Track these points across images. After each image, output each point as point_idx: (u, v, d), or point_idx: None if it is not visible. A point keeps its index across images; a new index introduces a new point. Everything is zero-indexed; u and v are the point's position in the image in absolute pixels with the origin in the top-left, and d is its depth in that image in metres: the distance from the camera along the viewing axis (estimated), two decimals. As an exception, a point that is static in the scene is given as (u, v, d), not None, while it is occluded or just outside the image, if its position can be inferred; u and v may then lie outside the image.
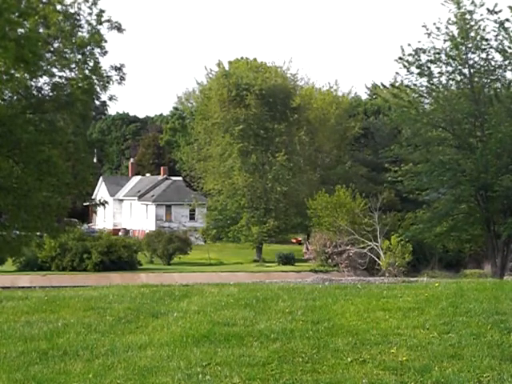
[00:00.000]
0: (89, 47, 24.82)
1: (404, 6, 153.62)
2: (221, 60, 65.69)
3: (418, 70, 31.44)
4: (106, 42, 24.85)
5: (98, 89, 25.42)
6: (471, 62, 30.93)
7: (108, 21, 24.80)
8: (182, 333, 7.33)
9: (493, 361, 6.05)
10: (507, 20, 29.73)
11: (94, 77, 25.07)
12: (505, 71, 31.10)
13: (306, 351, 6.44)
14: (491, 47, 30.40)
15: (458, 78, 31.70)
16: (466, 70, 31.17)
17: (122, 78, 25.66)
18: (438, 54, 30.95)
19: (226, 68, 59.09)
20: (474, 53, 30.77)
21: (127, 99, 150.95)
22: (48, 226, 26.05)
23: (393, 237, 43.60)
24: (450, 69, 31.47)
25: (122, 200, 76.59)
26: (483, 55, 30.79)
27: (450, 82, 32.20)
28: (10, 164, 24.41)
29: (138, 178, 79.44)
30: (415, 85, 32.54)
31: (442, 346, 6.55)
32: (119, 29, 24.92)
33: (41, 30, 23.72)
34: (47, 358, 6.58)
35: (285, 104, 57.12)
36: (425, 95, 33.20)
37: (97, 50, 25.03)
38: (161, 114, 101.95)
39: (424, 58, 31.16)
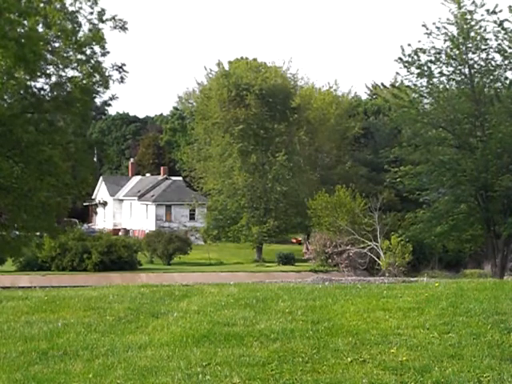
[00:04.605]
0: (90, 46, 24.81)
1: (404, 6, 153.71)
2: (221, 60, 65.80)
3: (418, 70, 31.45)
4: (104, 39, 24.81)
5: (100, 88, 25.44)
6: (471, 62, 30.94)
7: (112, 19, 24.73)
8: (182, 333, 7.33)
9: (493, 361, 6.05)
10: (506, 20, 29.76)
11: (96, 75, 25.06)
12: (505, 71, 31.12)
13: (306, 351, 6.44)
14: (491, 47, 30.42)
15: (458, 78, 31.71)
16: (466, 70, 31.18)
17: (123, 78, 25.68)
18: (438, 54, 30.96)
19: (226, 68, 59.09)
20: (474, 53, 30.79)
21: (127, 99, 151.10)
22: (48, 226, 26.05)
23: (393, 237, 43.57)
24: (450, 69, 31.50)
25: (121, 200, 76.57)
26: (483, 55, 30.82)
27: (451, 82, 32.22)
28: (10, 164, 24.40)
29: (138, 177, 79.44)
30: (415, 85, 32.56)
31: (442, 346, 6.55)
32: (123, 27, 24.86)
33: (41, 30, 23.72)
34: (47, 358, 6.58)
35: (285, 104, 57.11)
36: (425, 95, 33.20)
37: (98, 49, 25.05)
38: (161, 114, 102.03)
39: (424, 58, 31.19)
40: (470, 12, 30.24)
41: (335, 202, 49.92)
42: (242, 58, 60.68)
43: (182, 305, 9.29)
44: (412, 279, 26.56)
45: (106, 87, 25.36)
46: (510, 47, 30.18)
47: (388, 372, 5.77)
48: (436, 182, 32.85)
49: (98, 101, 27.20)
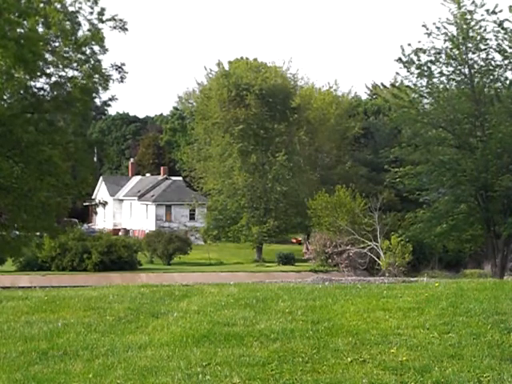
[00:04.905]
0: (89, 46, 24.82)
1: (404, 6, 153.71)
2: (221, 60, 65.82)
3: (418, 71, 31.45)
4: (104, 39, 24.82)
5: (99, 88, 25.45)
6: (471, 62, 30.94)
7: (112, 19, 24.73)
8: (182, 333, 7.33)
9: (493, 361, 6.05)
10: (506, 20, 29.76)
11: (96, 75, 25.07)
12: (505, 71, 31.12)
13: (306, 351, 6.44)
14: (491, 47, 30.42)
15: (458, 78, 31.71)
16: (466, 70, 31.18)
17: (123, 77, 25.70)
18: (438, 54, 30.96)
19: (226, 68, 59.09)
20: (474, 53, 30.78)
21: (127, 99, 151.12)
22: (48, 226, 26.05)
23: (393, 237, 43.56)
24: (450, 69, 31.50)
25: (122, 200, 76.60)
26: (483, 55, 30.82)
27: (451, 82, 32.22)
28: (10, 164, 24.40)
29: (138, 177, 79.45)
30: (415, 85, 32.56)
31: (442, 346, 6.55)
32: (122, 27, 24.87)
33: (41, 30, 23.72)
34: (47, 357, 6.58)
35: (285, 104, 57.11)
36: (425, 95, 33.20)
37: (97, 49, 25.06)
38: (161, 114, 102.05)
39: (424, 58, 31.19)
40: (470, 12, 30.24)
41: (335, 202, 49.91)
42: (242, 58, 60.68)
43: (182, 305, 9.29)
44: (412, 279, 26.55)
45: (106, 88, 25.39)
46: (510, 47, 30.18)
47: (388, 372, 5.77)
48: (436, 181, 32.85)
49: (98, 101, 27.25)
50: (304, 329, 7.38)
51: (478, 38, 30.22)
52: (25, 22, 22.87)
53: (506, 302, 8.82)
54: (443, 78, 32.01)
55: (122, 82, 25.60)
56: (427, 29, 30.57)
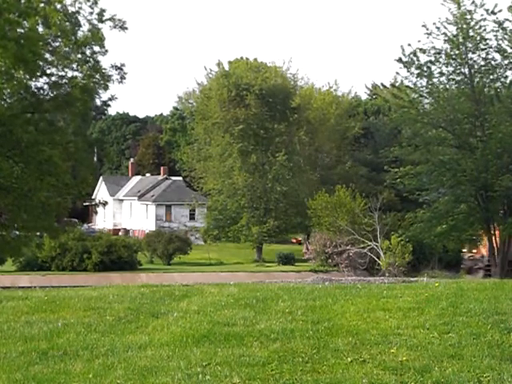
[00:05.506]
0: (89, 46, 24.82)
1: (404, 6, 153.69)
2: (221, 60, 65.73)
3: (417, 71, 31.50)
4: (104, 38, 24.85)
5: (99, 88, 25.45)
6: (471, 62, 30.98)
7: (111, 19, 24.75)
8: (182, 333, 7.33)
9: (493, 361, 6.04)
10: (506, 20, 29.80)
11: (96, 75, 25.08)
12: (505, 71, 31.17)
13: (306, 351, 6.44)
14: (491, 47, 30.47)
15: (458, 78, 31.75)
16: (466, 70, 31.23)
17: (123, 77, 25.71)
18: (438, 54, 31.01)
19: (226, 68, 59.08)
20: (474, 53, 30.83)
21: (127, 99, 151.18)
22: (48, 226, 26.04)
23: (393, 237, 43.51)
24: (450, 69, 31.56)
25: (122, 200, 76.59)
26: (483, 55, 30.87)
27: (450, 82, 32.27)
28: (10, 164, 24.40)
29: (138, 177, 79.45)
30: (415, 85, 32.62)
31: (442, 346, 6.55)
32: (122, 27, 24.88)
33: (41, 30, 23.73)
34: (47, 358, 6.57)
35: (285, 104, 57.09)
36: (425, 95, 33.26)
37: (97, 49, 25.07)
38: (161, 114, 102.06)
39: (424, 58, 31.25)
40: (470, 12, 30.29)
41: (335, 202, 49.87)
42: (241, 58, 60.65)
43: (182, 305, 9.29)
44: (412, 279, 26.46)
45: (106, 88, 25.40)
46: (510, 47, 30.22)
47: (388, 372, 5.76)
48: (436, 182, 32.92)
49: (98, 101, 27.26)
50: (304, 329, 7.38)
51: (478, 38, 30.27)
52: (25, 22, 22.87)
53: (506, 302, 8.83)
54: (443, 78, 32.12)
55: (121, 82, 25.62)
56: (427, 29, 30.68)
